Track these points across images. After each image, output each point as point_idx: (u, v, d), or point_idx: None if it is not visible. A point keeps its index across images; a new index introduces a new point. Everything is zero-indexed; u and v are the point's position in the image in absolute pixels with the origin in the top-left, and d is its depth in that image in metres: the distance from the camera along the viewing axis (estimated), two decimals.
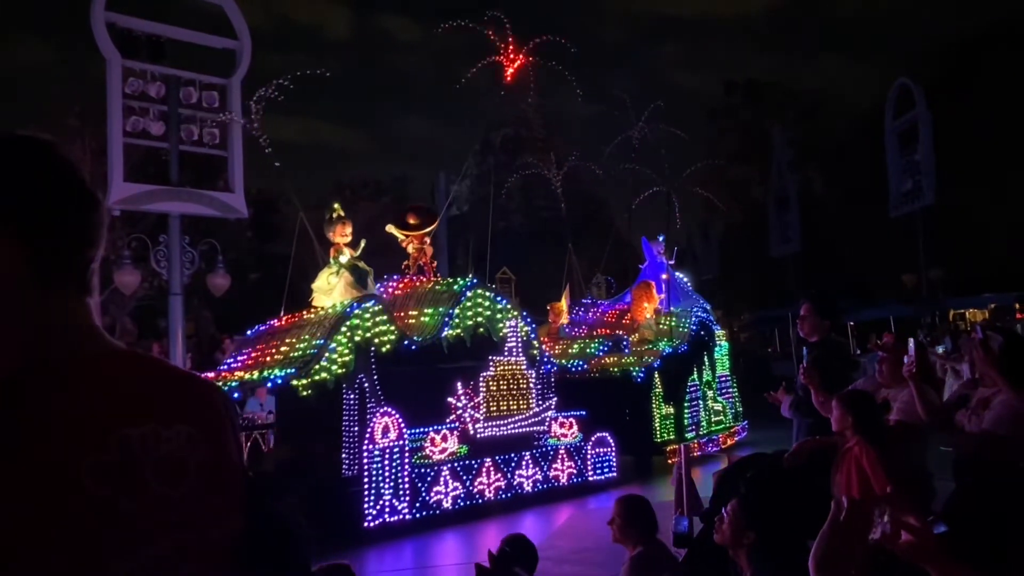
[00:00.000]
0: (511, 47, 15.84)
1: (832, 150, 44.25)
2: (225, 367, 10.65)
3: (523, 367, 11.12)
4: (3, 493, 1.02)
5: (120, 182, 13.19)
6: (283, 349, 9.72)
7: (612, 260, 19.20)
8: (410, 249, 11.95)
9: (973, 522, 3.67)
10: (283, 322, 10.64)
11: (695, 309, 15.46)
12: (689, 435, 13.32)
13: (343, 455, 9.12)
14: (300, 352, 9.35)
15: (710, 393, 14.69)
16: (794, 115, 47.28)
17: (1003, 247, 30.74)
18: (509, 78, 16.04)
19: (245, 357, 10.27)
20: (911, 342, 4.69)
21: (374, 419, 9.02)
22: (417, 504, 9.19)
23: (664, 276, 15.48)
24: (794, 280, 42.95)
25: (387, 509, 8.91)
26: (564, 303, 15.20)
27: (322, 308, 10.29)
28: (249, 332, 11.18)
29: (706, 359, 14.78)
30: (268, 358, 9.81)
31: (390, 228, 12.21)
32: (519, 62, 15.94)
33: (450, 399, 10.17)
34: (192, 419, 1.18)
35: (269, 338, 10.36)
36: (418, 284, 11.35)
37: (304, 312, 10.64)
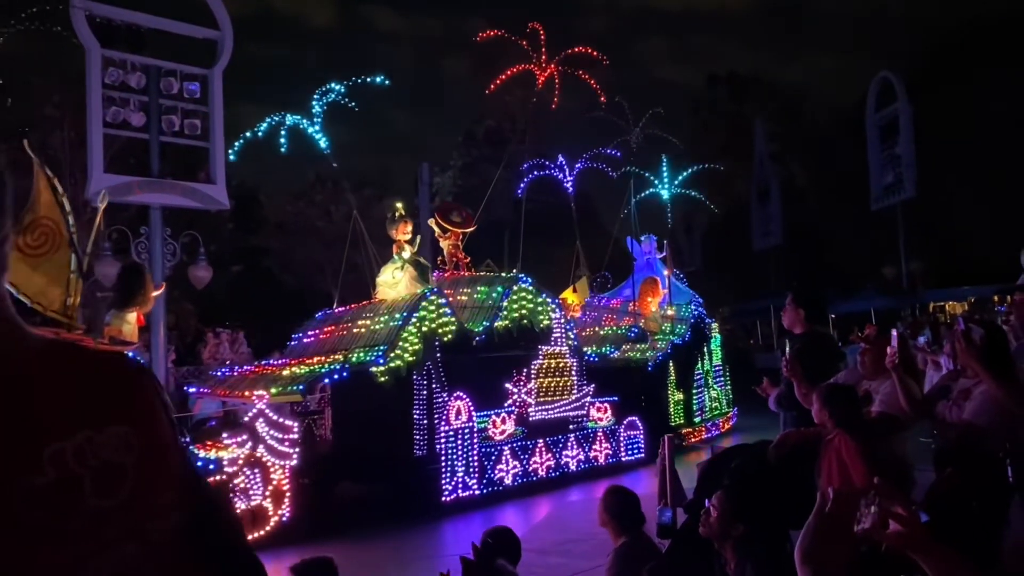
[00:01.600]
0: (543, 57, 16.69)
1: (813, 144, 44.47)
2: (286, 357, 11.22)
3: (566, 356, 11.98)
4: None
5: (100, 173, 13.05)
6: (352, 337, 10.46)
7: (599, 254, 19.30)
8: (446, 245, 12.65)
9: (954, 511, 3.71)
10: (342, 313, 11.53)
11: (692, 303, 16.32)
12: (696, 420, 14.65)
13: (415, 437, 9.71)
14: (374, 341, 10.01)
15: (709, 381, 15.81)
16: (776, 109, 47.47)
17: (982, 240, 31.01)
18: (540, 85, 16.88)
19: (310, 343, 11.13)
20: (894, 334, 4.72)
21: (448, 403, 9.87)
22: (484, 480, 10.09)
23: (666, 273, 16.37)
24: (775, 273, 43.25)
25: (460, 485, 9.78)
26: (572, 295, 15.44)
27: (388, 300, 11.04)
28: (298, 334, 11.77)
29: (705, 350, 15.82)
30: (336, 346, 10.53)
31: (432, 222, 12.83)
32: (548, 71, 16.79)
33: (508, 385, 10.99)
34: (126, 415, 1.08)
35: (332, 327, 11.13)
36: (461, 278, 12.22)
37: (366, 302, 11.45)
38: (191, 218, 20.14)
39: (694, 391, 14.85)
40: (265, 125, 14.09)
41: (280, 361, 10.90)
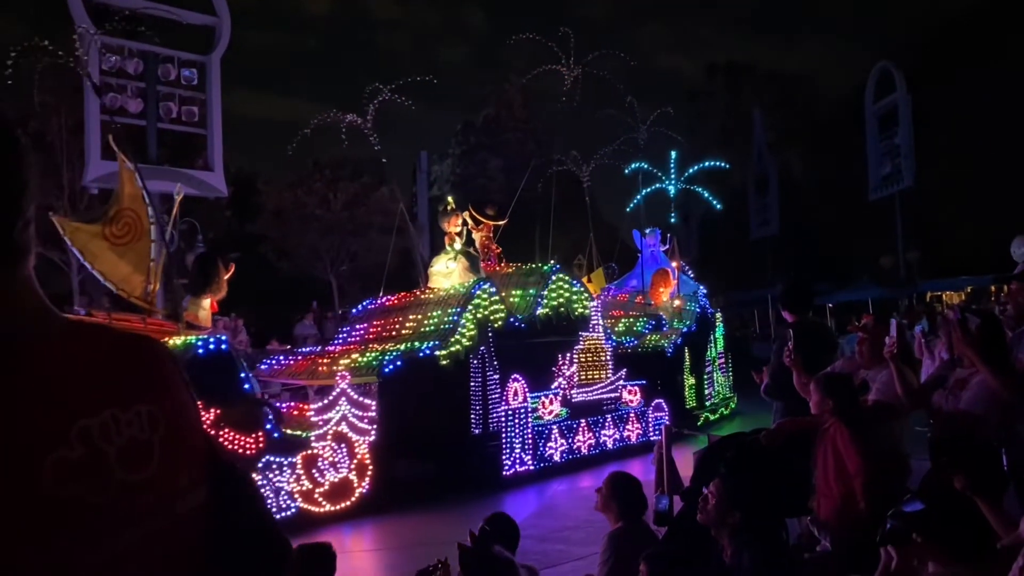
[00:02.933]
0: (571, 59, 17.56)
1: (811, 133, 44.40)
2: (340, 341, 12.15)
3: (602, 342, 12.74)
4: None
5: (97, 160, 13.03)
6: (409, 324, 11.27)
7: (602, 246, 19.48)
8: (479, 236, 13.26)
9: (949, 501, 3.73)
10: (395, 301, 12.28)
11: (699, 294, 17.00)
12: (707, 403, 15.48)
13: (472, 416, 10.37)
14: (433, 327, 10.83)
15: (715, 368, 16.51)
16: (774, 98, 47.38)
17: (980, 230, 31.04)
18: (568, 87, 17.75)
19: (363, 332, 11.92)
20: (893, 323, 4.74)
21: (507, 385, 10.55)
22: (536, 457, 10.84)
23: (674, 264, 17.08)
24: (772, 262, 43.27)
25: (518, 461, 10.55)
26: (589, 285, 15.68)
27: (440, 289, 11.88)
28: (355, 310, 12.79)
29: (712, 338, 16.53)
30: (393, 332, 11.35)
31: (467, 215, 13.22)
32: (576, 72, 17.68)
33: (553, 369, 11.75)
34: (150, 394, 1.11)
35: (385, 315, 11.97)
36: (499, 269, 12.87)
37: (418, 292, 12.28)
38: (189, 205, 20.12)
39: (705, 376, 15.73)
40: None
41: (338, 348, 11.70)
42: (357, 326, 12.33)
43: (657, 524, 5.06)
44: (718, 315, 17.50)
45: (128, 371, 1.11)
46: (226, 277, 10.15)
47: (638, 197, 21.00)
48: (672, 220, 22.22)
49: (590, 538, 7.04)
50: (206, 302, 9.82)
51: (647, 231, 18.71)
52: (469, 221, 13.21)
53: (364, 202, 29.45)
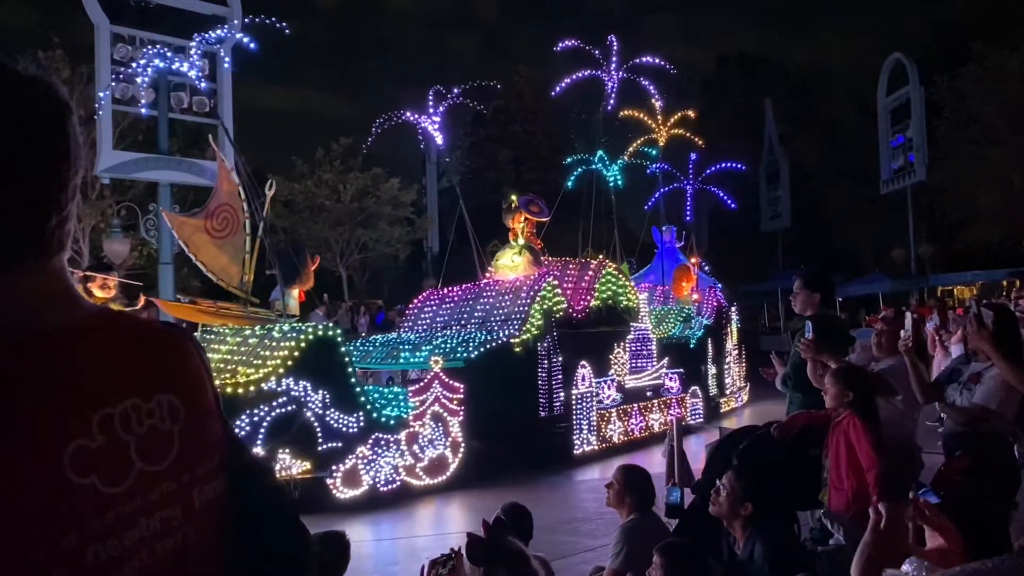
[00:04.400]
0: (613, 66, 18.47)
1: (823, 125, 44.17)
2: (409, 328, 13.06)
3: (649, 332, 13.84)
4: None
5: (109, 150, 13.06)
6: (478, 313, 12.15)
7: (605, 236, 19.64)
8: (521, 231, 13.89)
9: (963, 494, 3.72)
10: (459, 290, 13.22)
11: (716, 288, 17.80)
12: (727, 392, 16.39)
13: (540, 400, 11.12)
14: (503, 315, 11.64)
15: (731, 359, 17.29)
16: (786, 90, 47.16)
17: (991, 224, 30.85)
18: (612, 98, 18.67)
19: (430, 319, 12.90)
20: (908, 316, 4.72)
21: (576, 371, 11.43)
22: (600, 438, 11.71)
23: (693, 260, 17.86)
24: (783, 255, 43.13)
25: (585, 441, 11.43)
26: None
27: (506, 280, 12.66)
28: (417, 301, 13.70)
29: (729, 330, 17.40)
30: (462, 319, 12.28)
31: (510, 210, 14.00)
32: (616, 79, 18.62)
33: (610, 356, 12.61)
34: (172, 384, 1.10)
35: (451, 303, 12.90)
36: (546, 263, 13.56)
37: (483, 282, 13.21)
38: (199, 195, 20.19)
39: (725, 367, 16.61)
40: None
41: (401, 336, 12.67)
42: (423, 314, 13.22)
43: (669, 516, 5.05)
44: (732, 309, 18.22)
45: (151, 361, 1.11)
46: (312, 268, 10.99)
47: (657, 195, 21.99)
48: (688, 218, 23.25)
49: (600, 530, 7.06)
50: (295, 291, 10.71)
51: (663, 228, 19.75)
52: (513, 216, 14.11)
53: (374, 193, 29.48)
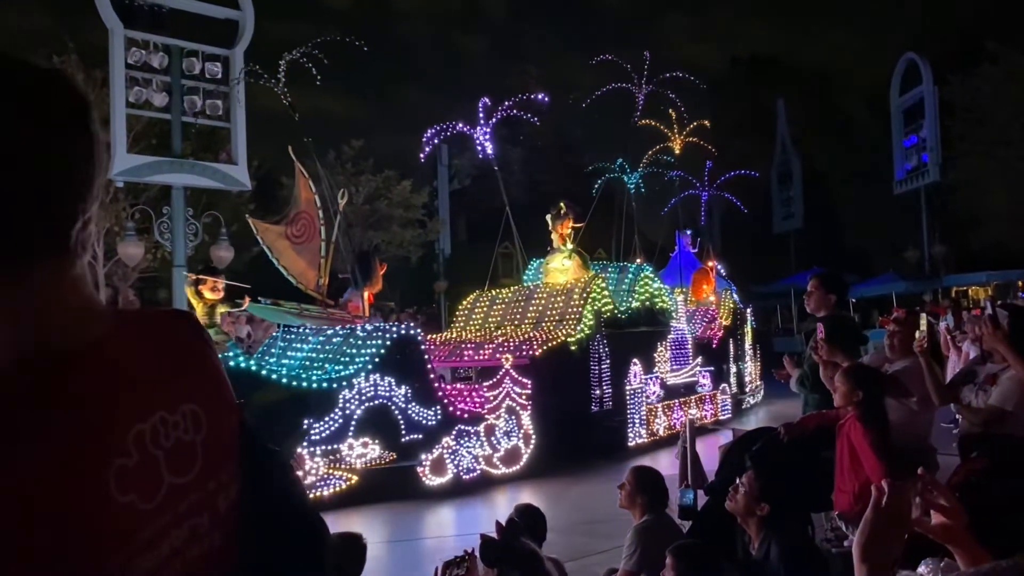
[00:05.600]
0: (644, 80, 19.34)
1: (836, 126, 43.99)
2: (462, 326, 13.76)
3: (685, 332, 14.64)
4: (17, 504, 0.86)
5: (123, 153, 13.13)
6: (531, 314, 13.03)
7: (610, 237, 19.86)
8: (555, 237, 14.65)
9: (979, 496, 3.70)
10: (508, 292, 14.27)
11: (732, 291, 18.56)
12: (746, 389, 17.22)
13: (593, 395, 11.81)
14: (557, 316, 12.49)
15: (747, 358, 18.03)
16: (798, 90, 46.99)
17: (1005, 224, 30.64)
18: (640, 109, 19.61)
19: (482, 318, 13.76)
20: (924, 317, 4.69)
21: (628, 368, 12.31)
22: (649, 431, 12.51)
23: (710, 264, 18.61)
24: (796, 256, 42.95)
25: (638, 435, 12.21)
26: None
27: (556, 283, 13.50)
28: (466, 303, 14.55)
29: (745, 331, 18.14)
30: (516, 319, 13.17)
31: (549, 218, 14.75)
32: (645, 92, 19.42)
33: (654, 355, 13.30)
34: (194, 393, 1.10)
35: (503, 304, 13.81)
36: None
37: (534, 285, 14.05)
38: (212, 198, 20.27)
39: (744, 365, 17.38)
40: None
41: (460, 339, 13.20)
42: (474, 315, 14.04)
43: (682, 518, 5.05)
44: (748, 310, 18.97)
45: (175, 369, 1.10)
46: (381, 273, 11.75)
47: (673, 201, 22.90)
48: (703, 223, 24.34)
49: (615, 531, 7.05)
50: (366, 294, 11.44)
51: (684, 232, 20.87)
52: (550, 223, 14.82)
53: (386, 196, 29.52)
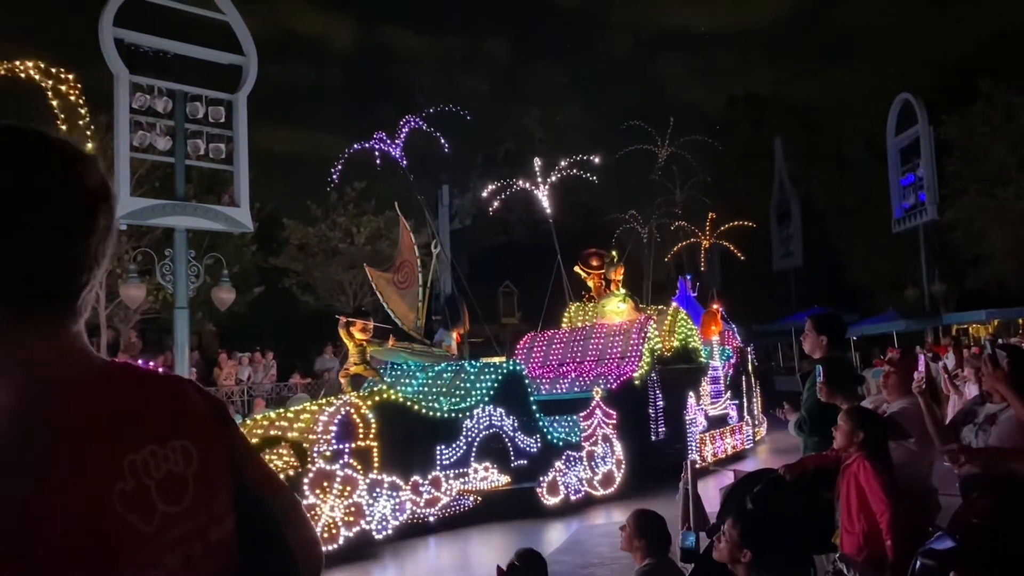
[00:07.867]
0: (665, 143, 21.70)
1: (834, 164, 44.27)
2: (523, 363, 14.42)
3: (719, 369, 16.16)
4: (23, 528, 0.96)
5: (127, 196, 13.22)
6: (591, 351, 14.66)
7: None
8: (591, 283, 16.17)
9: (981, 536, 3.69)
10: (566, 332, 15.90)
11: (733, 332, 19.48)
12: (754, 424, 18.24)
13: (651, 426, 13.20)
14: (619, 353, 14.05)
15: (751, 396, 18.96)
16: (795, 128, 47.35)
17: (1005, 263, 30.71)
18: (661, 164, 21.73)
19: (542, 356, 15.38)
20: (922, 357, 4.70)
21: (685, 400, 13.92)
22: (701, 457, 13.61)
23: (716, 306, 19.18)
24: (796, 294, 42.94)
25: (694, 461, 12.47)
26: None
27: (613, 324, 14.90)
28: (524, 342, 16.22)
29: (748, 369, 19.07)
30: (577, 356, 14.76)
31: (577, 269, 16.45)
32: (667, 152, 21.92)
33: (699, 389, 14.73)
34: (183, 431, 1.19)
35: (562, 343, 15.46)
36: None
37: (590, 325, 15.51)
38: (214, 240, 20.38)
39: (752, 401, 18.40)
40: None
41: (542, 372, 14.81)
42: (534, 353, 15.58)
43: (683, 561, 5.01)
44: (749, 348, 19.94)
45: (161, 409, 1.20)
46: (467, 316, 13.18)
47: (677, 247, 24.92)
48: (702, 268, 26.29)
49: (615, 575, 6.99)
50: (454, 334, 12.88)
51: (687, 276, 22.21)
52: (582, 273, 16.32)
53: (387, 236, 29.63)
